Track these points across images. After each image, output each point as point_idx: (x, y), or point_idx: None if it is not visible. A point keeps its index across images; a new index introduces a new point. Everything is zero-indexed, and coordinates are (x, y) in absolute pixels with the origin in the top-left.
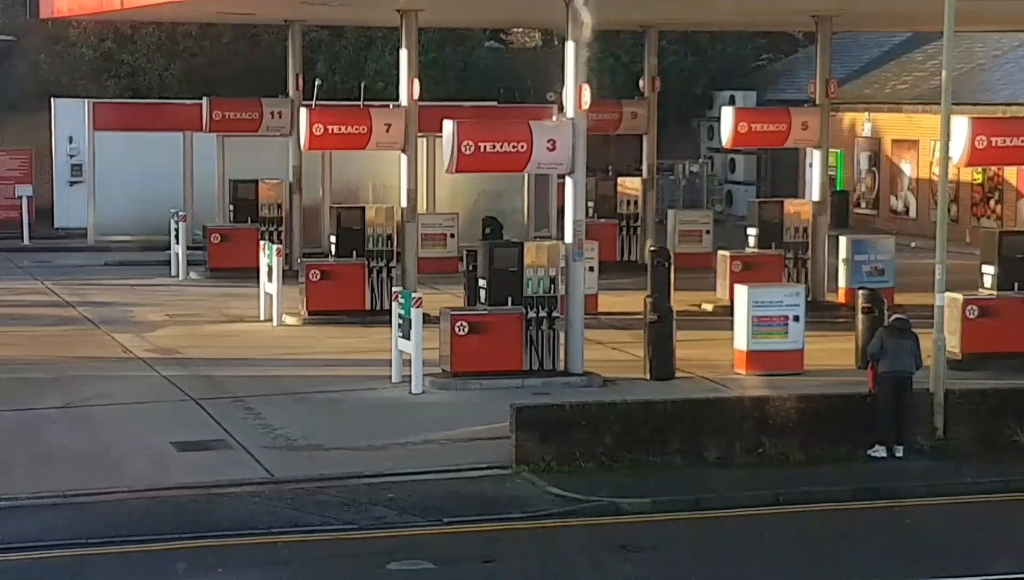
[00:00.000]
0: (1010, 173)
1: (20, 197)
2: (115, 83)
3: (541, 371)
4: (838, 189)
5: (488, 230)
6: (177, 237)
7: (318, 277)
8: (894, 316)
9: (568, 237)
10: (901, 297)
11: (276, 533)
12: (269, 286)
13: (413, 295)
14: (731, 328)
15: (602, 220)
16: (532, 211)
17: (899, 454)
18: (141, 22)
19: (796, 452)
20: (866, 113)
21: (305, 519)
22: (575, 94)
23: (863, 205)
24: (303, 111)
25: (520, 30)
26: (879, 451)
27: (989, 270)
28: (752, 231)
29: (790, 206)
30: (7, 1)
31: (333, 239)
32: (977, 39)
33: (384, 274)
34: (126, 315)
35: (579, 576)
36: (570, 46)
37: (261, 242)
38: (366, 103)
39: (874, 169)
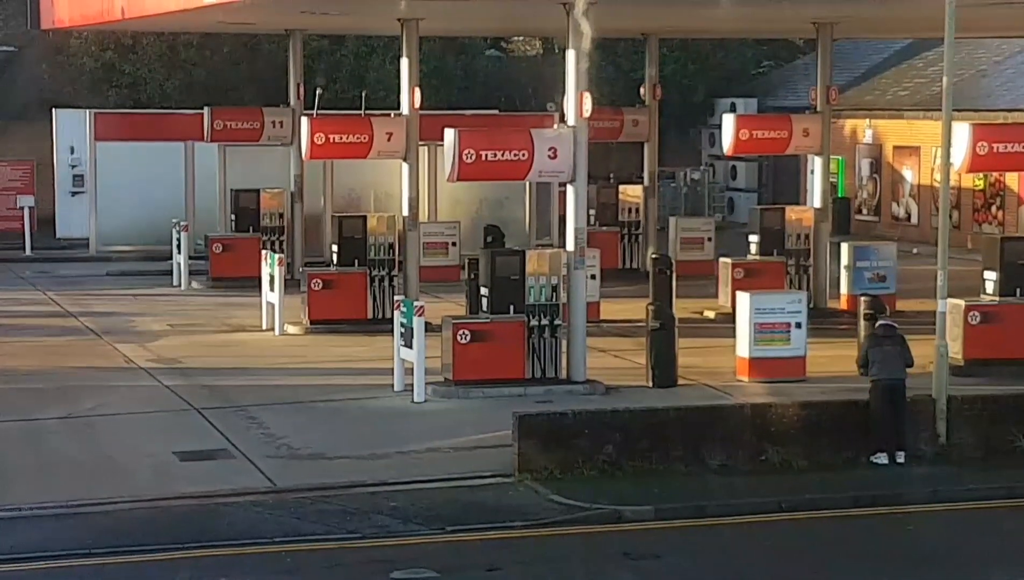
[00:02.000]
0: (1011, 179)
1: (22, 207)
2: (116, 93)
3: (543, 379)
4: (839, 196)
5: (490, 238)
6: (179, 247)
7: (320, 286)
8: (878, 322)
9: (570, 245)
10: (903, 303)
11: (279, 542)
12: (271, 295)
13: (415, 304)
14: (733, 335)
15: (604, 228)
16: (534, 219)
17: (901, 460)
18: (142, 32)
19: (799, 459)
20: (867, 120)
21: (308, 528)
22: (576, 102)
23: (865, 212)
24: (304, 120)
25: (521, 38)
26: (881, 458)
27: (991, 276)
28: (754, 238)
29: (792, 213)
30: (8, 12)
31: (335, 248)
32: (978, 45)
33: (386, 283)
34: (128, 325)
35: None
36: (571, 54)
37: (263, 251)
38: (367, 112)
39: (875, 176)
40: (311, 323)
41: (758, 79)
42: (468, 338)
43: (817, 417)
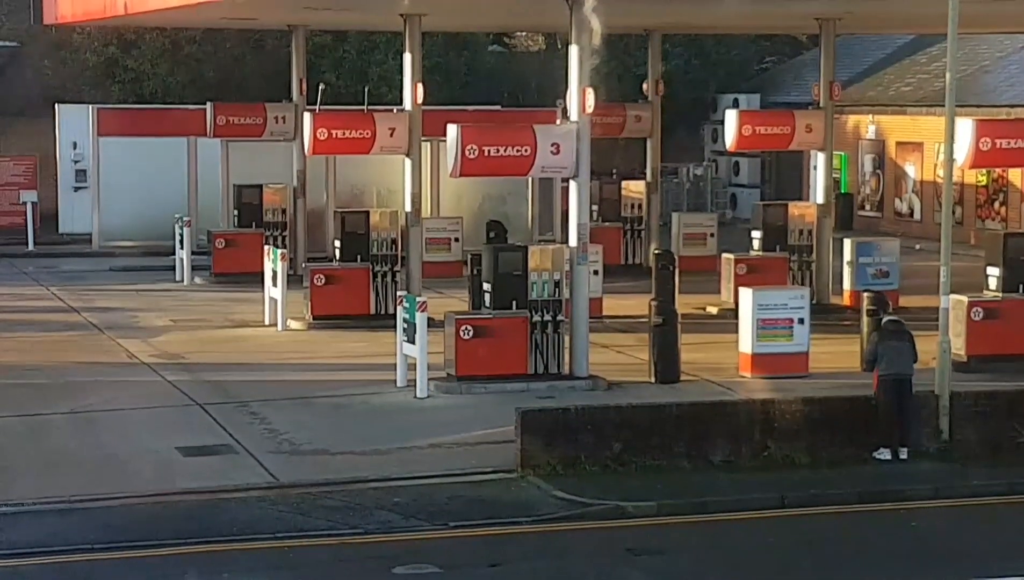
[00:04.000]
0: (1014, 175)
1: (25, 203)
2: (119, 88)
3: (546, 375)
4: (842, 191)
5: (492, 234)
6: (182, 242)
7: (322, 281)
8: (886, 318)
9: (572, 241)
10: (906, 299)
11: (281, 538)
12: (274, 291)
13: (418, 299)
14: (736, 331)
15: (606, 224)
16: (536, 215)
17: (904, 456)
18: (145, 28)
19: (802, 455)
20: (870, 115)
21: (311, 524)
22: (579, 98)
23: (868, 207)
24: (307, 116)
25: (524, 34)
26: (884, 454)
27: (994, 272)
28: (756, 234)
29: (794, 209)
30: (11, 7)
31: (337, 243)
32: (981, 41)
33: (388, 278)
34: (131, 320)
35: None
36: (574, 50)
37: (265, 247)
38: (370, 107)
39: (878, 171)
40: (314, 319)
41: (761, 75)
42: (471, 334)
43: (820, 413)
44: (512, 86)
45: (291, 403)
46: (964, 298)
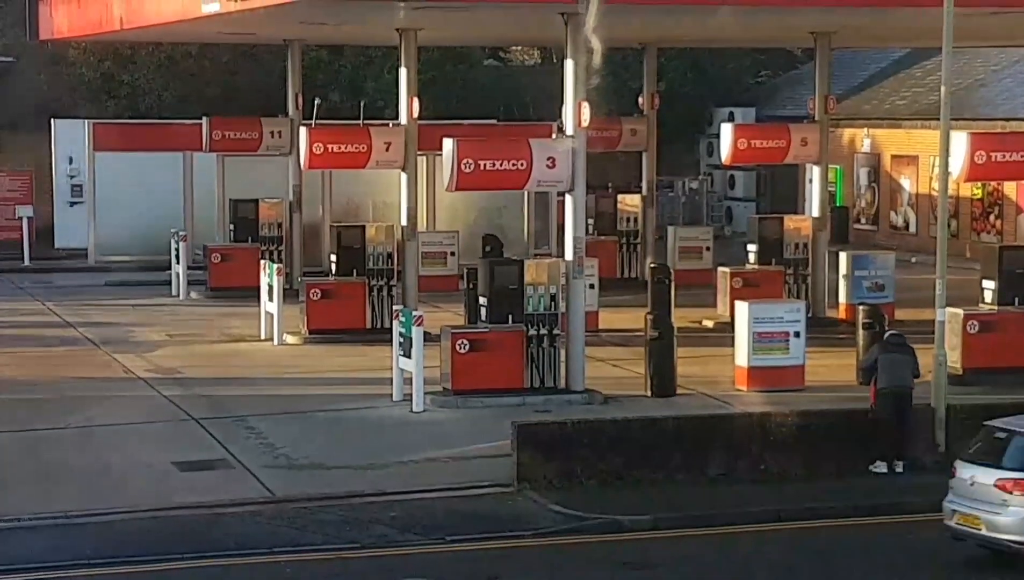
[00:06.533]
0: (1010, 188)
1: (20, 217)
2: (115, 103)
3: (542, 389)
4: (838, 205)
5: (488, 248)
6: (177, 257)
7: (319, 296)
8: (889, 331)
9: (568, 254)
10: (901, 312)
11: (278, 552)
12: (270, 305)
13: (414, 313)
14: (732, 344)
15: (602, 237)
16: (532, 228)
17: (899, 470)
18: (141, 42)
19: (798, 468)
20: (865, 129)
21: (307, 538)
22: (574, 111)
23: (863, 221)
24: (303, 130)
25: (519, 48)
26: (880, 467)
27: (989, 285)
28: (752, 247)
29: (790, 222)
30: (7, 22)
31: (333, 258)
32: (976, 54)
33: (385, 292)
34: (127, 335)
35: None
36: (569, 64)
37: (261, 261)
38: (366, 122)
39: (874, 185)
40: (310, 333)
41: (756, 88)
42: (467, 348)
43: (816, 426)
44: (508, 100)
45: (287, 417)
46: (960, 311)
